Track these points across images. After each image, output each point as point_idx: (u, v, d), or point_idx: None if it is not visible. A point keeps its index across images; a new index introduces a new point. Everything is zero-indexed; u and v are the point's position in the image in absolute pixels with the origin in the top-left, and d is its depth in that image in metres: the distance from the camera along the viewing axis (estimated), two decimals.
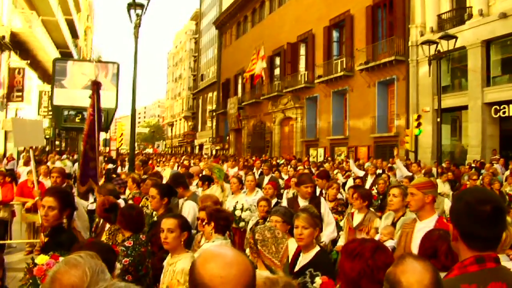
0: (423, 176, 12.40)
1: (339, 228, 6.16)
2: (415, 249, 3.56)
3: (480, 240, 1.94)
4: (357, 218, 5.71)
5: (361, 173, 12.91)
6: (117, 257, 3.02)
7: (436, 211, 6.82)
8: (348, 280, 2.23)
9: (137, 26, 12.11)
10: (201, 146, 61.49)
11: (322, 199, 6.16)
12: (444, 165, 15.90)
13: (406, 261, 1.80)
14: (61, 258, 2.87)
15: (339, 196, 7.58)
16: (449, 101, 20.86)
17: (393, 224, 4.77)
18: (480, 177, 12.34)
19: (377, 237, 4.75)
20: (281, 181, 11.76)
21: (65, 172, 6.95)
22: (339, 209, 6.65)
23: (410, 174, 11.40)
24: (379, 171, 14.28)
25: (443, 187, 11.95)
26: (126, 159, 18.38)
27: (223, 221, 4.09)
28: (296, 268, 3.56)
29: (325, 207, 5.90)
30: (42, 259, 2.92)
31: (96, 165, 6.13)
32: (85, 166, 6.02)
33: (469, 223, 1.94)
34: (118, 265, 3.69)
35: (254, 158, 25.01)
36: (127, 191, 7.91)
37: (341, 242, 5.72)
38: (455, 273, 1.96)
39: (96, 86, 6.16)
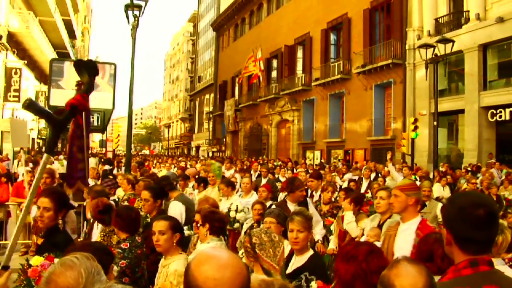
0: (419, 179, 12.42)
1: (329, 232, 6.19)
2: (397, 250, 3.58)
3: (474, 243, 1.94)
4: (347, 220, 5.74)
5: (355, 177, 12.94)
6: (113, 259, 3.00)
7: (429, 215, 6.85)
8: (343, 282, 2.23)
9: (135, 27, 12.10)
10: (198, 148, 61.45)
11: (308, 199, 6.20)
12: (443, 168, 15.88)
13: (400, 265, 1.80)
14: (56, 260, 2.86)
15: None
16: (445, 104, 20.92)
17: (379, 226, 4.78)
18: (478, 180, 12.35)
19: (363, 239, 4.75)
20: (278, 184, 11.74)
21: (55, 173, 6.92)
22: (334, 212, 6.62)
23: (402, 178, 11.36)
24: (373, 174, 14.31)
25: (443, 191, 11.92)
26: (123, 160, 18.34)
27: (217, 223, 4.07)
28: (289, 270, 3.54)
29: (312, 207, 5.98)
30: (36, 260, 2.90)
31: (85, 167, 6.05)
32: (72, 168, 5.94)
33: (463, 227, 1.95)
34: (114, 267, 3.70)
35: (251, 160, 25.01)
36: (122, 193, 7.88)
37: (332, 245, 5.73)
38: (448, 277, 1.96)
39: (81, 86, 6.08)
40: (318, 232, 5.72)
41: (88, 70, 2.04)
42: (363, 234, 5.11)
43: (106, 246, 3.33)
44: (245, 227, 5.96)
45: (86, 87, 2.06)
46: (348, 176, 13.95)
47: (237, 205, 6.84)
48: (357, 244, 2.35)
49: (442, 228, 2.11)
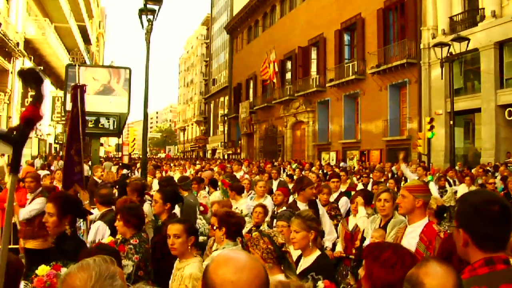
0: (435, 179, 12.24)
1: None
2: None
3: (492, 240, 1.94)
4: (353, 222, 5.69)
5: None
6: (121, 259, 3.03)
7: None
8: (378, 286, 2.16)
9: (149, 32, 12.18)
10: (214, 151, 61.55)
11: (317, 201, 6.15)
12: (475, 170, 15.35)
13: (429, 264, 1.77)
14: (63, 268, 2.84)
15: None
16: (462, 103, 20.70)
17: (381, 227, 4.72)
18: (496, 180, 12.04)
19: (367, 241, 4.69)
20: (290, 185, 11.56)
21: (39, 176, 6.91)
22: (332, 213, 6.52)
23: (416, 178, 11.10)
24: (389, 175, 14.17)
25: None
26: (138, 164, 18.40)
27: (234, 227, 4.06)
28: (297, 272, 3.56)
29: (321, 208, 5.95)
30: (43, 269, 2.85)
31: (81, 170, 6.08)
32: (69, 171, 5.98)
33: (481, 224, 1.94)
34: (129, 262, 3.79)
35: (265, 162, 24.95)
36: None
37: (339, 248, 5.69)
38: (465, 276, 1.95)
39: (77, 90, 6.10)
40: (327, 239, 5.66)
41: (33, 79, 2.02)
42: (364, 238, 5.04)
43: (112, 247, 3.36)
44: (244, 231, 5.91)
45: (35, 97, 2.04)
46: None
47: (241, 210, 6.75)
48: (396, 250, 2.29)
49: (455, 229, 2.08)
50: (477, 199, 2.01)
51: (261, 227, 5.46)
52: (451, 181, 13.19)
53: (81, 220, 5.41)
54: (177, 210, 5.86)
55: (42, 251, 5.49)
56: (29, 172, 7.73)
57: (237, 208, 6.78)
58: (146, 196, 6.56)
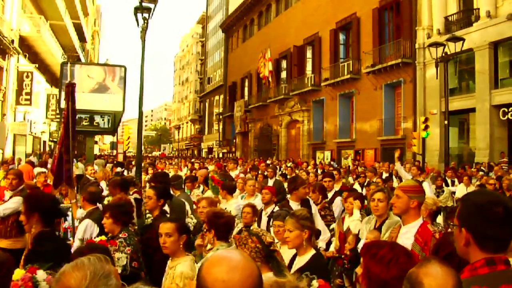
0: (430, 179, 12.24)
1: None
2: None
3: (494, 241, 1.95)
4: (348, 222, 5.69)
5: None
6: (112, 257, 3.03)
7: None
8: (378, 283, 2.17)
9: (144, 30, 12.14)
10: (210, 150, 61.37)
11: (310, 200, 6.15)
12: (469, 170, 15.25)
13: (430, 264, 1.78)
14: (39, 271, 2.76)
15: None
16: (456, 103, 20.77)
17: (376, 228, 4.71)
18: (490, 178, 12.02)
19: (362, 242, 4.69)
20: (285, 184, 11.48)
21: (22, 174, 6.84)
22: (322, 213, 6.48)
23: (410, 177, 11.04)
24: (386, 174, 14.17)
25: (466, 191, 11.10)
26: (133, 162, 18.37)
27: (223, 227, 4.03)
28: (292, 271, 3.55)
29: (314, 206, 5.96)
30: (17, 274, 2.74)
31: (70, 168, 6.07)
32: (59, 169, 5.96)
33: (485, 225, 1.95)
34: (122, 255, 3.84)
35: (259, 160, 24.91)
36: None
37: (332, 248, 5.69)
38: (465, 276, 1.95)
39: (70, 88, 6.10)
40: (321, 239, 5.66)
41: None
42: (359, 239, 5.03)
43: (103, 245, 3.36)
44: (234, 232, 5.86)
45: None
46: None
47: (230, 211, 6.67)
48: (392, 247, 2.31)
49: (455, 228, 2.09)
50: (480, 199, 2.01)
51: (251, 227, 5.44)
52: (449, 181, 13.19)
53: (66, 219, 5.38)
54: (166, 208, 5.88)
55: (14, 251, 5.39)
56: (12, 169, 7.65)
57: (225, 208, 6.73)
58: (136, 194, 6.56)
